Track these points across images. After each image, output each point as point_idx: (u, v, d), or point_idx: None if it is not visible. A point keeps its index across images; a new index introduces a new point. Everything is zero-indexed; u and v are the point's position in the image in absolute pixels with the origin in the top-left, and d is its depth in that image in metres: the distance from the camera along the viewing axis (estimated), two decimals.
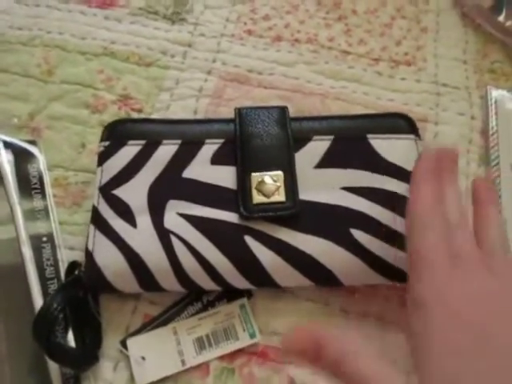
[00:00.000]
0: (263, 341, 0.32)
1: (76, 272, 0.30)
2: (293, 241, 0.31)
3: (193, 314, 0.32)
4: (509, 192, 0.38)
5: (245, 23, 0.46)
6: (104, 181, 0.33)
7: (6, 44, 0.43)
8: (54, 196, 0.36)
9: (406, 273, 0.30)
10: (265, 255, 0.31)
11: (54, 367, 0.30)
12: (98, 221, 0.32)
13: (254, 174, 0.33)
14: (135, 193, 0.33)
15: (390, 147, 0.35)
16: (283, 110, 0.36)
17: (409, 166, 0.34)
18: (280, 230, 0.32)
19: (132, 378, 0.30)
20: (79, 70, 0.42)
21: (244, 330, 0.32)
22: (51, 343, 0.28)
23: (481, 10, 0.49)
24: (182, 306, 0.33)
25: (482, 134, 0.42)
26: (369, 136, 0.35)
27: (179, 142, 0.34)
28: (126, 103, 0.41)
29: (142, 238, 0.31)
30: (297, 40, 0.46)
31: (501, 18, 0.47)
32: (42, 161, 0.37)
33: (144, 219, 0.32)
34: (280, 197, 0.32)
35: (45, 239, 0.34)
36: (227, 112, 0.41)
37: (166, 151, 0.34)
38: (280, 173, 0.33)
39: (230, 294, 0.33)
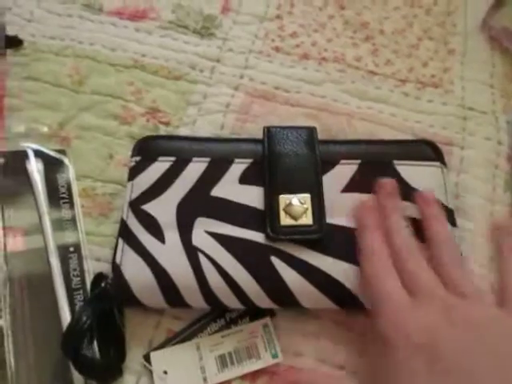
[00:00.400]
0: (285, 361, 0.32)
1: (103, 284, 0.31)
2: (318, 263, 0.31)
3: (215, 331, 0.33)
4: None
5: (273, 40, 0.47)
6: (134, 195, 0.34)
7: (38, 53, 0.44)
8: (82, 206, 0.37)
9: None
10: (290, 276, 0.31)
11: (78, 377, 0.30)
12: (126, 235, 0.32)
13: (281, 196, 0.33)
14: (164, 209, 0.33)
15: (416, 174, 0.35)
16: (312, 130, 0.36)
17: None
18: (306, 252, 0.32)
19: None
20: (109, 81, 0.43)
21: (266, 350, 0.32)
22: (79, 356, 0.28)
23: (508, 33, 0.49)
24: (204, 323, 0.33)
25: (508, 159, 0.42)
26: (395, 162, 0.36)
27: (208, 159, 0.35)
28: (154, 116, 0.41)
29: (170, 254, 0.31)
30: (324, 58, 0.46)
31: None
32: (70, 170, 0.38)
33: (172, 235, 0.32)
34: (307, 220, 0.33)
35: (72, 249, 0.34)
36: (254, 128, 0.41)
37: (196, 169, 0.35)
38: (308, 195, 0.33)
39: (252, 312, 0.33)
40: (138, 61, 0.44)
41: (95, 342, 0.31)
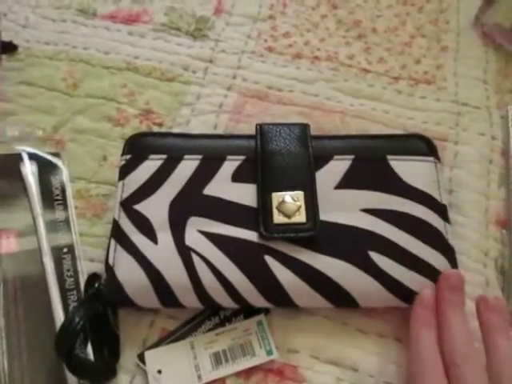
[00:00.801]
0: (280, 358, 0.32)
1: (96, 285, 0.31)
2: (312, 262, 0.31)
3: (210, 329, 0.32)
4: None
5: (265, 40, 0.47)
6: (125, 195, 0.33)
7: (32, 58, 0.44)
8: (76, 208, 0.37)
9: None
10: (284, 275, 0.31)
11: (72, 378, 0.30)
12: (119, 235, 0.32)
13: (274, 194, 0.33)
14: (156, 208, 0.33)
15: (410, 169, 0.35)
16: (304, 127, 0.36)
17: (427, 189, 0.34)
18: (300, 250, 0.32)
19: None
20: (103, 84, 0.43)
21: (261, 347, 0.32)
22: (72, 357, 0.28)
23: (501, 29, 0.49)
24: (199, 321, 0.33)
25: (502, 154, 0.41)
26: (388, 157, 0.35)
27: (200, 157, 0.35)
28: (147, 117, 0.42)
29: (163, 254, 0.31)
30: (317, 57, 0.46)
31: None
32: (64, 173, 0.38)
33: (165, 236, 0.32)
34: (301, 217, 0.32)
35: (65, 250, 0.35)
36: (247, 128, 0.41)
37: (187, 167, 0.34)
38: (301, 193, 0.33)
39: (246, 310, 0.33)
40: (131, 63, 0.44)
41: (89, 343, 0.31)
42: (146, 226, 0.32)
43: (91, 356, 0.31)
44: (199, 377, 0.31)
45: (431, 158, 0.36)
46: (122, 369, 0.31)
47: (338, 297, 0.31)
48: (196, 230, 0.32)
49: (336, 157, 0.35)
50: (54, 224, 0.35)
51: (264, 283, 0.31)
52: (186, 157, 0.35)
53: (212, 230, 0.32)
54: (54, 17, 0.47)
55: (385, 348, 0.32)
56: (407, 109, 0.43)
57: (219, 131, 0.41)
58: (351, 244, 0.32)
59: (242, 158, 0.35)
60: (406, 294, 0.31)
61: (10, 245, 0.34)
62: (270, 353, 0.32)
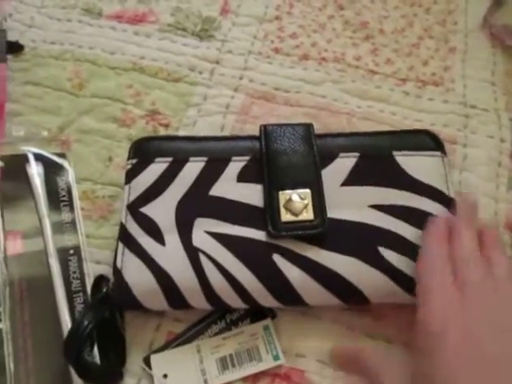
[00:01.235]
0: (287, 363, 0.31)
1: (104, 289, 0.30)
2: (321, 259, 0.31)
3: (216, 333, 0.32)
4: None
5: (272, 41, 0.47)
6: (132, 198, 0.33)
7: (38, 58, 0.44)
8: (82, 209, 0.37)
9: None
10: (293, 273, 0.31)
11: (77, 381, 0.30)
12: (126, 238, 0.32)
13: (281, 193, 0.33)
14: (163, 210, 0.33)
15: (416, 164, 0.35)
16: (308, 126, 0.36)
17: (435, 183, 0.34)
18: (308, 248, 0.31)
19: None
20: (109, 84, 0.43)
21: (268, 352, 0.32)
22: (81, 361, 0.28)
23: (510, 30, 0.48)
24: (205, 325, 0.32)
25: (511, 157, 0.41)
26: (394, 153, 0.35)
27: (205, 159, 0.35)
28: (153, 118, 0.41)
29: (171, 256, 0.31)
30: (324, 59, 0.46)
31: None
32: (70, 174, 0.38)
33: (172, 237, 0.32)
34: (308, 215, 0.32)
35: (71, 252, 0.34)
36: (253, 129, 0.40)
37: (193, 168, 0.34)
38: (307, 191, 0.33)
39: (253, 313, 0.33)
40: (137, 63, 0.44)
41: (95, 347, 0.30)
42: (153, 229, 0.32)
43: (97, 359, 0.30)
44: (205, 381, 0.31)
45: (438, 153, 0.36)
46: (128, 372, 0.31)
47: (348, 293, 0.31)
48: (203, 231, 0.32)
49: (341, 154, 0.35)
50: (60, 225, 0.35)
51: (273, 282, 0.31)
52: (191, 159, 0.35)
53: (219, 230, 0.32)
54: (59, 16, 0.47)
55: (394, 353, 0.32)
56: (415, 111, 0.43)
57: (226, 132, 0.41)
58: (360, 240, 0.32)
59: (247, 158, 0.35)
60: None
61: (16, 246, 0.34)
62: (276, 358, 0.32)
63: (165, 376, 0.31)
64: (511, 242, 0.37)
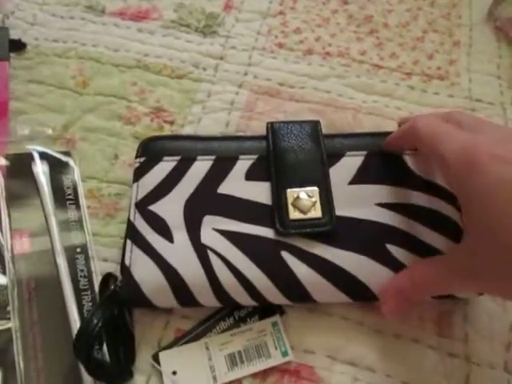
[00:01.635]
0: (296, 359, 0.31)
1: (112, 286, 0.30)
2: (330, 256, 0.31)
3: (224, 330, 0.32)
4: None
5: (276, 36, 0.46)
6: (140, 196, 0.33)
7: (41, 56, 0.44)
8: (88, 207, 0.37)
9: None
10: (302, 270, 0.31)
11: (87, 379, 0.30)
12: (134, 236, 0.32)
13: (289, 190, 0.33)
14: (171, 208, 0.33)
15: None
16: (315, 124, 0.36)
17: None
18: (317, 245, 0.32)
19: None
20: (113, 82, 0.43)
21: (276, 348, 0.32)
22: (91, 359, 0.28)
23: None
24: (213, 322, 0.32)
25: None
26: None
27: (213, 157, 0.35)
28: (158, 115, 0.41)
29: (180, 253, 0.31)
30: (328, 53, 0.46)
31: None
32: (76, 172, 0.38)
33: (181, 235, 0.32)
34: (316, 213, 0.32)
35: (78, 250, 0.34)
36: (259, 125, 0.41)
37: (201, 167, 0.34)
38: (315, 188, 0.33)
39: (261, 310, 0.33)
40: (140, 61, 0.44)
41: (105, 345, 0.30)
42: (161, 226, 0.32)
43: (107, 357, 0.30)
44: (214, 378, 0.31)
45: None
46: (138, 370, 0.31)
47: (356, 290, 0.31)
48: (211, 229, 0.32)
49: (349, 153, 0.35)
50: (67, 224, 0.35)
51: (282, 279, 0.31)
52: (199, 158, 0.35)
53: (227, 227, 0.32)
54: (62, 14, 0.46)
55: (402, 348, 0.32)
56: (421, 105, 0.43)
57: (231, 129, 0.41)
58: (368, 237, 0.32)
59: (255, 156, 0.35)
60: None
61: (23, 245, 0.34)
62: (285, 354, 0.31)
63: (174, 373, 0.31)
64: None
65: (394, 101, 0.43)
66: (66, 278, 0.32)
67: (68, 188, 0.37)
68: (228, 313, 0.33)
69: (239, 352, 0.31)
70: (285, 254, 0.31)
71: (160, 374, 0.31)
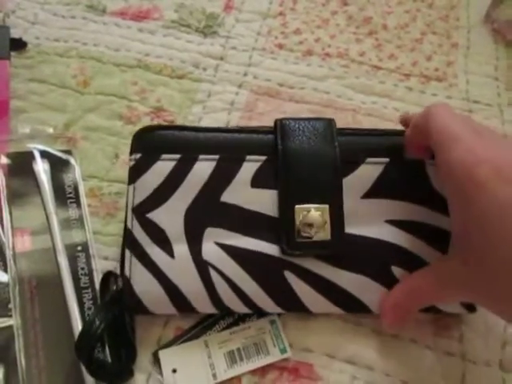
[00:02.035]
0: (295, 356, 0.32)
1: (114, 287, 0.30)
2: (333, 277, 0.31)
3: (224, 328, 0.32)
4: None
5: (276, 37, 0.47)
6: (137, 201, 0.31)
7: (43, 55, 0.44)
8: (89, 206, 0.37)
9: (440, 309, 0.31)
10: (303, 289, 0.30)
11: (89, 377, 0.30)
12: (133, 246, 0.31)
13: (298, 207, 0.31)
14: (171, 218, 0.31)
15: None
16: (329, 122, 0.33)
17: None
18: (321, 265, 0.31)
19: None
20: (114, 81, 0.43)
21: (275, 346, 0.32)
22: (92, 360, 0.28)
23: None
24: (213, 320, 0.33)
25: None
26: (428, 162, 0.32)
27: (216, 157, 0.32)
28: (158, 115, 0.42)
29: (180, 269, 0.30)
30: (327, 54, 0.46)
31: None
32: (77, 171, 0.38)
33: (181, 249, 0.30)
34: (325, 235, 0.30)
35: (79, 248, 0.35)
36: (258, 125, 0.41)
37: (203, 169, 0.31)
38: (326, 207, 0.31)
39: None
40: (141, 60, 0.44)
41: (106, 345, 0.31)
42: (161, 238, 0.31)
43: (108, 357, 0.31)
44: (214, 375, 0.31)
45: None
46: (138, 368, 0.31)
47: (356, 308, 0.31)
48: (213, 243, 0.31)
49: (368, 160, 0.32)
50: (68, 222, 0.35)
51: (283, 298, 0.31)
52: (200, 157, 0.32)
53: (230, 242, 0.31)
54: (63, 13, 0.47)
55: (400, 348, 0.32)
56: (419, 106, 0.43)
57: None
58: (374, 259, 0.31)
59: (262, 158, 0.32)
60: (430, 309, 0.31)
61: (25, 243, 0.34)
62: (283, 351, 0.32)
63: (174, 371, 0.31)
64: None
65: (392, 102, 0.43)
66: (67, 276, 0.33)
67: (69, 187, 0.37)
68: (227, 312, 0.33)
69: (238, 349, 0.32)
70: (287, 274, 0.30)
71: (160, 372, 0.31)
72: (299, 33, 0.47)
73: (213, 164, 0.32)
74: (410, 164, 0.32)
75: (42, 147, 0.39)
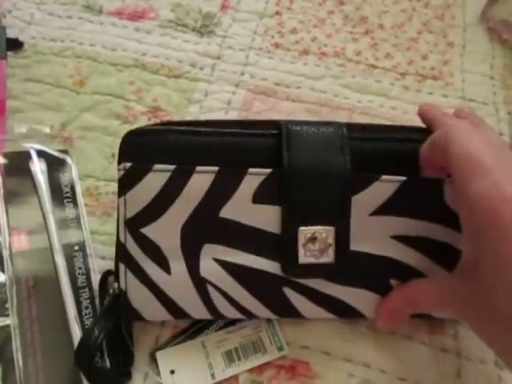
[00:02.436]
0: (292, 354, 0.32)
1: (111, 290, 0.30)
2: (333, 292, 0.30)
3: (220, 328, 0.32)
4: None
5: (272, 36, 0.47)
6: (130, 214, 0.29)
7: (39, 55, 0.44)
8: (86, 205, 0.37)
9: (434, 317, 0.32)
10: (303, 304, 0.30)
11: None
12: (127, 260, 0.29)
13: (301, 229, 0.28)
14: (166, 234, 0.29)
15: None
16: (339, 128, 0.29)
17: None
18: (321, 282, 0.30)
19: None
20: (110, 81, 0.43)
21: (271, 344, 0.32)
22: (92, 369, 0.28)
23: (508, 24, 0.49)
24: (209, 320, 0.33)
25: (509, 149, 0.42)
26: (446, 180, 0.29)
27: (215, 170, 0.28)
28: (155, 115, 0.42)
29: (177, 285, 0.29)
30: (324, 54, 0.46)
31: None
32: (74, 170, 0.38)
33: (178, 264, 0.29)
34: (329, 258, 0.29)
35: (76, 248, 0.35)
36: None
37: (200, 183, 0.28)
38: (332, 229, 0.28)
39: None
40: (138, 60, 0.44)
41: (105, 352, 0.31)
42: (156, 254, 0.29)
43: (106, 363, 0.30)
44: (212, 375, 0.31)
45: None
46: (135, 369, 0.31)
47: (351, 316, 0.32)
48: (211, 259, 0.29)
49: (383, 177, 0.29)
50: (65, 222, 0.35)
51: (283, 312, 0.31)
52: (198, 169, 0.28)
53: (229, 258, 0.29)
54: (59, 13, 0.47)
55: (396, 345, 0.32)
56: (415, 105, 0.43)
57: None
58: (375, 273, 0.30)
59: (266, 172, 0.28)
60: (423, 315, 0.31)
61: (22, 243, 0.34)
62: (280, 349, 0.32)
63: (172, 372, 0.31)
64: None
65: (389, 100, 0.44)
66: (64, 276, 0.33)
67: (66, 186, 0.37)
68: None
69: (236, 348, 0.32)
70: (287, 290, 0.30)
71: (158, 372, 0.31)
72: (296, 32, 0.47)
73: (211, 177, 0.29)
74: (426, 182, 0.29)
75: (38, 147, 0.39)
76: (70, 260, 0.34)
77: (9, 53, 0.44)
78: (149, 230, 0.29)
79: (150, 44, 0.45)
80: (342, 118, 0.42)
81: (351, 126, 0.30)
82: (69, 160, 0.38)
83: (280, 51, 0.46)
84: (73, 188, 0.37)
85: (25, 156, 0.38)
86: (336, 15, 0.48)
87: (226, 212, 0.29)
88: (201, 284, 0.29)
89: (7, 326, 0.31)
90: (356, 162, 0.29)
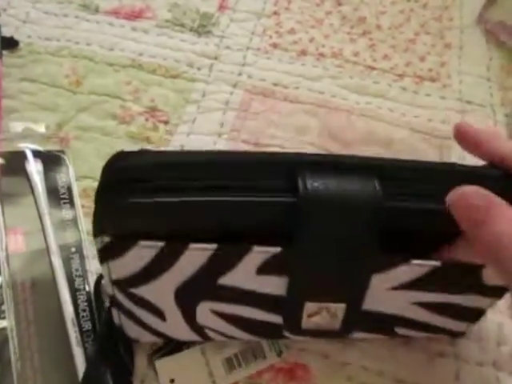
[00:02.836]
0: (290, 357, 0.32)
1: (106, 302, 0.30)
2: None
3: None
4: None
5: (270, 37, 0.47)
6: (116, 277, 0.25)
7: (34, 54, 0.44)
8: (82, 206, 0.37)
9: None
10: (303, 339, 0.31)
11: None
12: (119, 307, 0.27)
13: (309, 304, 0.25)
14: (159, 295, 0.26)
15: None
16: (374, 191, 0.21)
17: None
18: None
19: None
20: (107, 81, 0.43)
21: (271, 349, 0.32)
22: None
23: (505, 26, 0.49)
24: None
25: None
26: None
27: (214, 247, 0.23)
28: (152, 115, 0.41)
29: (175, 330, 0.29)
30: (322, 54, 0.46)
31: None
32: (70, 171, 0.38)
33: (174, 315, 0.27)
34: (334, 326, 0.27)
35: (73, 250, 0.34)
36: (254, 125, 0.41)
37: (194, 259, 0.24)
38: (343, 306, 0.25)
39: None
40: (135, 60, 0.44)
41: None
42: (150, 307, 0.27)
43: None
44: (213, 382, 0.31)
45: None
46: (134, 374, 0.31)
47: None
48: (208, 310, 0.27)
49: (414, 262, 0.24)
50: (62, 223, 0.35)
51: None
52: (191, 246, 0.23)
53: (228, 311, 0.27)
54: (55, 12, 0.46)
55: (394, 349, 0.32)
56: (412, 106, 0.44)
57: (226, 129, 0.41)
58: (381, 324, 0.29)
59: (273, 251, 0.23)
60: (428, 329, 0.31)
61: (18, 244, 0.33)
62: (279, 354, 0.32)
63: (172, 381, 0.30)
64: None
65: (386, 102, 0.44)
66: (61, 278, 0.32)
67: (62, 187, 0.37)
68: None
69: (236, 355, 0.31)
70: (288, 333, 0.29)
71: (156, 377, 0.31)
72: (294, 32, 0.47)
73: (208, 253, 0.23)
74: (462, 266, 0.24)
75: (34, 147, 0.38)
76: (66, 262, 0.33)
77: (4, 52, 0.43)
78: (139, 291, 0.26)
79: (147, 44, 0.45)
80: (340, 119, 0.42)
81: (385, 172, 0.22)
82: (65, 160, 0.38)
83: (278, 51, 0.46)
84: (69, 189, 0.37)
85: (20, 156, 0.37)
86: (334, 16, 0.48)
87: (226, 280, 0.25)
88: (198, 328, 0.29)
89: (4, 329, 0.30)
90: (384, 241, 0.22)
